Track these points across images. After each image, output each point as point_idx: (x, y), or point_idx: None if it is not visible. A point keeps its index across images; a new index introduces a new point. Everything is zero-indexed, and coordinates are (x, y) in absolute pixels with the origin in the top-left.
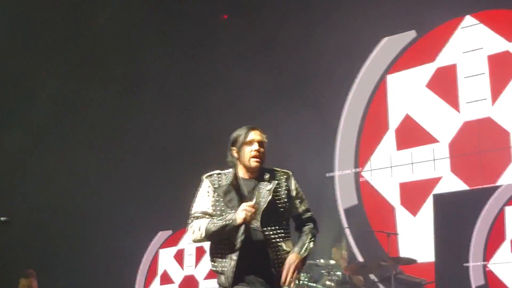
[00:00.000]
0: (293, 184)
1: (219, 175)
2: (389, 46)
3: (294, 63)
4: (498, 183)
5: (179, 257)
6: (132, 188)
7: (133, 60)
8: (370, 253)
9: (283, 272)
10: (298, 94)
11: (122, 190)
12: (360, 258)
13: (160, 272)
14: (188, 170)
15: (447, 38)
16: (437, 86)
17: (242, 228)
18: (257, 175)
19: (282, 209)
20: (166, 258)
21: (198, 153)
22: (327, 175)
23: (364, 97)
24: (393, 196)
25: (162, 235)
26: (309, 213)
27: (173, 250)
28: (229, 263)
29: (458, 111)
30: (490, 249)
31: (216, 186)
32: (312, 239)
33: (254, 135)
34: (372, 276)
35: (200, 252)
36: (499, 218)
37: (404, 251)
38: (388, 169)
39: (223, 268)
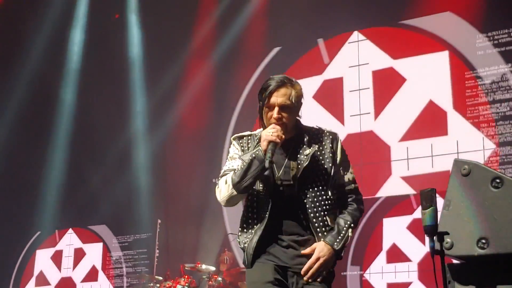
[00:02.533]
0: (339, 147)
1: (249, 137)
2: (280, 56)
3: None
4: (377, 195)
5: (56, 258)
6: (11, 185)
7: None
8: None
9: (309, 262)
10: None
11: (1, 187)
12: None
13: (36, 273)
14: (75, 168)
15: (335, 52)
16: (323, 98)
17: (268, 189)
18: (294, 134)
19: (326, 176)
20: (43, 259)
21: (84, 150)
22: (214, 180)
23: (253, 108)
24: None
25: (40, 236)
26: (353, 184)
27: (50, 251)
28: (251, 238)
29: (343, 124)
30: (367, 258)
31: (245, 149)
32: (352, 225)
33: (276, 96)
34: None
35: (78, 254)
36: (377, 228)
37: None
38: None
39: (244, 244)
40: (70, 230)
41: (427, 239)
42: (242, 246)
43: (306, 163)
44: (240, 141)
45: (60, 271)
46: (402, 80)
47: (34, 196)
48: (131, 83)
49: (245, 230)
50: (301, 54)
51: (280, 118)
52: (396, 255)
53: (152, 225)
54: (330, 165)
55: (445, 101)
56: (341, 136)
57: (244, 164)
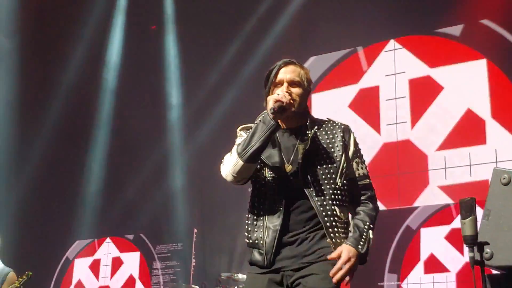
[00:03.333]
0: (352, 138)
1: None
2: (315, 65)
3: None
4: (415, 205)
5: (94, 267)
6: (51, 195)
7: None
8: None
9: (339, 263)
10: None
11: (40, 196)
12: None
13: (74, 281)
14: (113, 178)
15: (371, 61)
16: (359, 107)
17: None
18: (302, 124)
19: (335, 164)
20: (81, 268)
21: (121, 160)
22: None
23: None
24: None
25: (78, 244)
26: (367, 179)
27: (89, 260)
28: (265, 233)
29: (379, 133)
30: (404, 269)
31: None
32: (371, 226)
33: (285, 72)
34: None
35: (116, 263)
36: (415, 239)
37: None
38: None
39: (256, 241)
40: (108, 239)
41: (466, 249)
42: (251, 242)
43: (307, 146)
44: (248, 131)
45: (98, 280)
46: (439, 88)
47: (73, 205)
48: (168, 95)
49: (254, 222)
50: (337, 63)
51: (289, 94)
52: (434, 265)
53: (189, 234)
54: (340, 153)
55: (483, 109)
56: (378, 145)
57: (252, 128)
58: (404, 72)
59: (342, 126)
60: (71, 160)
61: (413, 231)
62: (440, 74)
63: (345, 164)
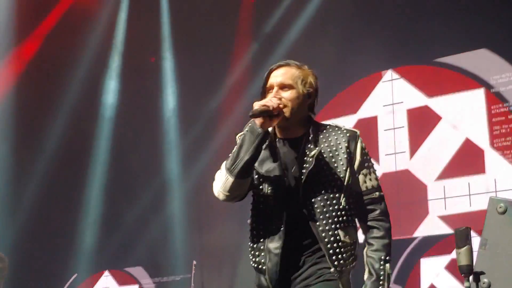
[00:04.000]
0: (358, 148)
1: None
2: None
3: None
4: (415, 235)
5: None
6: (47, 228)
7: None
8: None
9: None
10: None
11: (37, 229)
12: None
13: None
14: (110, 211)
15: (369, 91)
16: None
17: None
18: (303, 132)
19: (339, 182)
20: None
21: (119, 192)
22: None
23: None
24: None
25: (77, 278)
26: (377, 192)
27: None
28: (267, 257)
29: (378, 163)
30: None
31: None
32: (387, 259)
33: (275, 76)
34: None
35: None
36: (415, 269)
37: None
38: None
39: (259, 266)
40: (106, 272)
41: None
42: (255, 266)
43: (311, 166)
44: None
45: None
46: (438, 118)
47: (71, 238)
48: (165, 125)
49: (255, 245)
50: (334, 93)
51: (280, 99)
52: None
53: (188, 266)
54: (344, 168)
55: (482, 139)
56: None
57: (241, 139)
58: (402, 102)
59: (348, 134)
60: (68, 192)
61: (413, 261)
62: (438, 103)
63: (350, 180)
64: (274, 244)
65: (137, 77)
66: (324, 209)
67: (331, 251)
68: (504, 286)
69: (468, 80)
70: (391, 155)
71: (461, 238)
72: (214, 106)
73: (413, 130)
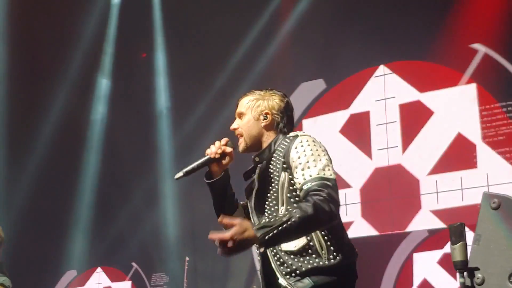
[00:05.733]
0: (292, 150)
1: None
2: (306, 91)
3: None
4: (407, 230)
5: None
6: (40, 225)
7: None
8: None
9: (224, 234)
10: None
11: (29, 226)
12: None
13: None
14: (103, 207)
15: (361, 86)
16: (350, 132)
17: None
18: (260, 152)
19: (276, 195)
20: None
21: (112, 188)
22: None
23: None
24: None
25: (69, 275)
26: (309, 184)
27: None
28: (260, 278)
29: (370, 158)
30: None
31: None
32: (289, 222)
33: (237, 106)
34: None
35: None
36: (407, 264)
37: None
38: None
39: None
40: (99, 269)
41: (458, 274)
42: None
43: (256, 188)
44: None
45: None
46: (430, 113)
47: (63, 235)
48: (158, 123)
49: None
50: (327, 88)
51: (236, 128)
52: None
53: (181, 262)
54: (278, 180)
55: (474, 133)
56: (369, 170)
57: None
58: (394, 97)
59: (288, 140)
60: (61, 189)
61: (405, 256)
62: (430, 98)
63: (284, 187)
64: (258, 266)
65: (128, 73)
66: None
67: (278, 267)
68: (498, 282)
69: (460, 75)
70: (384, 150)
71: (455, 234)
72: (207, 102)
73: (406, 125)
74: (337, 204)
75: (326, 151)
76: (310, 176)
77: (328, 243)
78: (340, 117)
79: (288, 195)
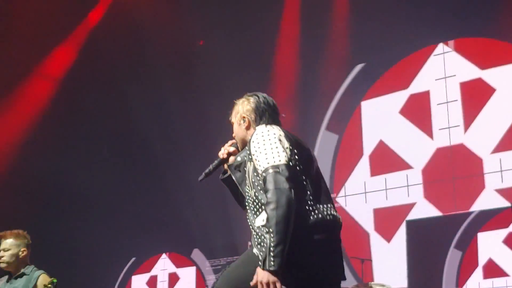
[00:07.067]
0: (250, 144)
1: None
2: (363, 72)
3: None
4: (471, 209)
5: (152, 283)
6: (107, 213)
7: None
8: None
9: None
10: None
11: (96, 215)
12: None
13: None
14: (167, 195)
15: (420, 65)
16: (410, 112)
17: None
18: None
19: (247, 181)
20: (138, 285)
21: (175, 175)
22: None
23: (339, 123)
24: (367, 222)
25: (135, 261)
26: (264, 174)
27: (146, 277)
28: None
29: (432, 138)
30: (462, 275)
31: None
32: (272, 235)
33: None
34: None
35: (173, 279)
36: (472, 244)
37: (378, 277)
38: (362, 195)
39: None
40: (164, 255)
41: None
42: None
43: (237, 175)
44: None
45: None
46: (491, 90)
47: (129, 222)
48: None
49: None
50: (385, 69)
51: (228, 142)
52: (493, 270)
53: (243, 247)
54: (246, 169)
55: None
56: (431, 150)
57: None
58: (455, 75)
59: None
60: (127, 180)
61: (470, 236)
62: (491, 75)
63: (250, 175)
64: None
65: (185, 61)
66: (247, 206)
67: (255, 241)
68: None
69: None
70: (445, 129)
71: None
72: (263, 87)
73: (467, 103)
74: (284, 185)
75: (280, 135)
76: (263, 167)
77: None
78: (399, 98)
79: (253, 180)
